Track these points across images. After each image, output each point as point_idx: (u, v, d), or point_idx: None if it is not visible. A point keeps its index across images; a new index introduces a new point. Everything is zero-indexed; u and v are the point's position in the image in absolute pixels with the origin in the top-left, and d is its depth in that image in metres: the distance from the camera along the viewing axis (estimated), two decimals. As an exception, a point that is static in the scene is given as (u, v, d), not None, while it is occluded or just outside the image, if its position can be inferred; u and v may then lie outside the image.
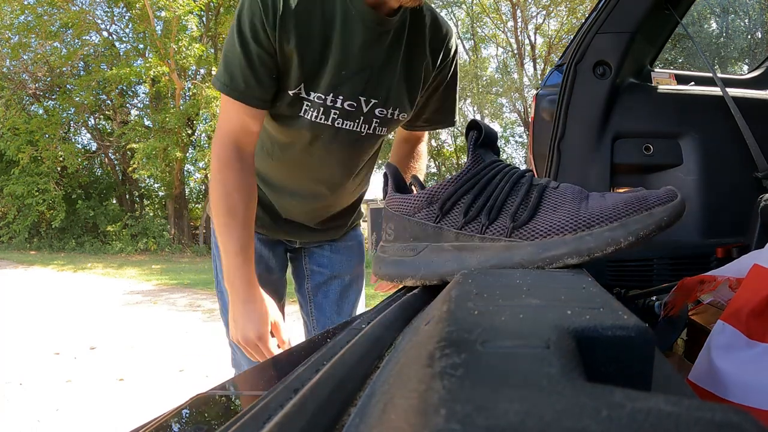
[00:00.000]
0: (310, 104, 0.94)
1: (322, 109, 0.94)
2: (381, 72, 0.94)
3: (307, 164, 1.05)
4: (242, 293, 0.91)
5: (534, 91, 1.52)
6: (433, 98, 1.08)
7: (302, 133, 0.98)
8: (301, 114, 0.95)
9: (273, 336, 0.95)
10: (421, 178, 1.13)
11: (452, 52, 1.04)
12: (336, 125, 0.97)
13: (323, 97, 0.93)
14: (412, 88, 1.00)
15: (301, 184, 1.10)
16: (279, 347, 0.96)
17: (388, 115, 1.00)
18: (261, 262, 1.18)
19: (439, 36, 1.00)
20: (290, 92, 0.92)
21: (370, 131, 1.01)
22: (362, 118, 0.98)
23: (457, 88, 1.11)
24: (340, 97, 0.93)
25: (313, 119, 0.95)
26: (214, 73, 9.51)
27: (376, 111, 0.98)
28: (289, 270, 1.34)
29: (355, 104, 0.95)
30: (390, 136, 1.20)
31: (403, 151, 1.21)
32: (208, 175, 10.90)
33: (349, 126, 0.98)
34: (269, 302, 0.95)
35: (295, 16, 0.85)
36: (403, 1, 0.85)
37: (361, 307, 1.33)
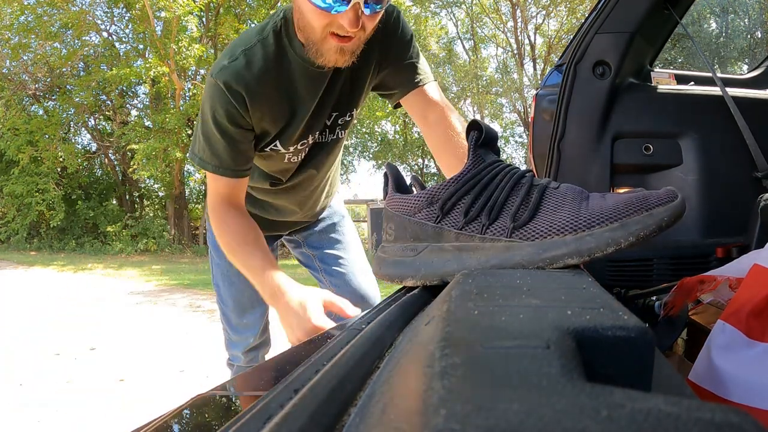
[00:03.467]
0: (291, 153, 1.08)
1: (306, 147, 1.10)
2: (337, 91, 1.05)
3: (291, 184, 1.19)
4: (283, 302, 0.94)
5: (534, 91, 1.52)
6: (399, 69, 1.10)
7: (283, 166, 1.12)
8: (282, 160, 1.09)
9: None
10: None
11: (393, 30, 1.06)
12: (309, 149, 1.12)
13: (305, 141, 1.07)
14: (361, 87, 1.09)
15: (286, 198, 1.25)
16: (342, 314, 0.95)
17: (347, 117, 1.12)
18: None
19: (378, 31, 1.03)
20: (267, 149, 1.04)
21: (334, 137, 1.14)
22: (327, 130, 1.11)
23: (418, 52, 1.11)
24: (317, 131, 1.08)
25: (297, 160, 1.11)
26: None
27: (339, 120, 1.11)
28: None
29: (324, 126, 1.09)
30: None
31: (435, 135, 1.14)
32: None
33: (320, 139, 1.11)
34: (308, 293, 0.94)
35: (257, 94, 0.94)
36: (339, 62, 0.92)
37: (358, 245, 1.48)
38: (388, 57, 1.07)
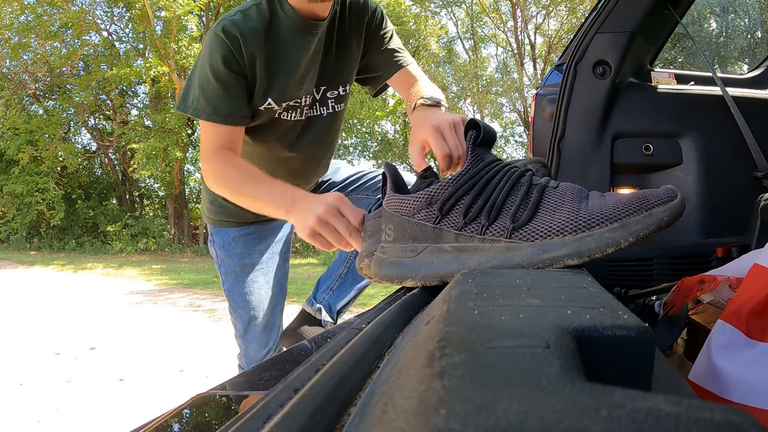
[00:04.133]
0: (283, 110, 1.12)
1: (297, 109, 1.14)
2: (324, 62, 1.14)
3: (291, 159, 1.22)
4: (298, 197, 0.90)
5: (534, 91, 1.52)
6: (381, 49, 1.23)
7: (283, 134, 1.16)
8: (277, 118, 1.12)
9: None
10: (431, 91, 1.12)
11: (377, 11, 1.20)
12: (307, 116, 1.17)
13: (297, 101, 1.12)
14: (348, 62, 1.19)
15: (289, 174, 1.25)
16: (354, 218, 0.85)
17: (340, 92, 1.20)
18: (262, 251, 1.34)
19: (359, 9, 1.17)
20: (262, 107, 1.08)
21: (330, 110, 1.20)
22: (318, 103, 1.18)
23: (392, 34, 1.25)
24: (308, 95, 1.13)
25: (291, 119, 1.14)
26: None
27: (328, 94, 1.18)
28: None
29: (312, 95, 1.15)
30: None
31: (404, 89, 1.24)
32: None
33: (313, 113, 1.18)
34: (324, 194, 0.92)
35: (251, 39, 1.01)
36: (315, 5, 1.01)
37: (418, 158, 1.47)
38: (371, 44, 1.21)
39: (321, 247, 0.88)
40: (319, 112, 1.20)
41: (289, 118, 1.14)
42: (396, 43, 1.25)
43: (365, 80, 1.29)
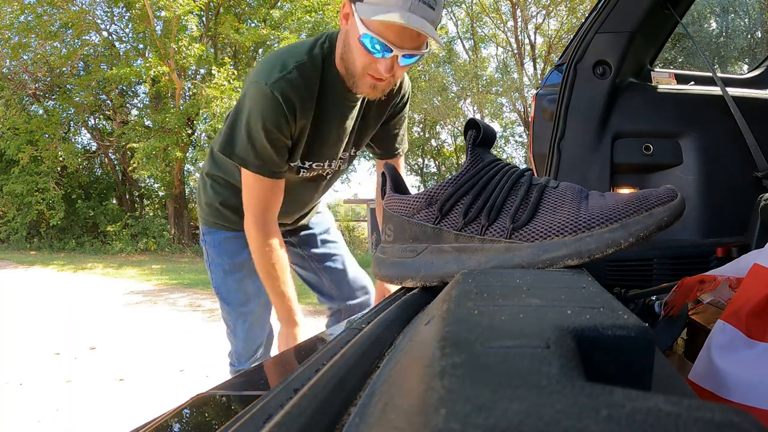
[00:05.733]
0: (306, 170, 1.19)
1: (318, 171, 1.22)
2: (357, 130, 1.20)
3: (293, 196, 1.29)
4: (301, 325, 1.18)
5: (534, 91, 1.52)
6: (390, 125, 1.31)
7: (294, 182, 1.23)
8: (298, 174, 1.20)
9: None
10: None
11: (405, 96, 1.28)
12: (319, 173, 1.24)
13: (321, 164, 1.19)
14: (369, 131, 1.26)
15: (286, 206, 1.32)
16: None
17: (351, 153, 1.27)
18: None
19: (391, 93, 1.20)
20: (291, 164, 1.15)
21: (336, 169, 1.27)
22: (333, 162, 1.24)
23: (406, 118, 1.34)
24: (333, 160, 1.21)
25: (305, 176, 1.22)
26: (214, 72, 9.30)
27: (342, 154, 1.24)
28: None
29: (339, 158, 1.24)
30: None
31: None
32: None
33: (326, 171, 1.25)
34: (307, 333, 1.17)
35: (306, 106, 1.05)
36: (371, 95, 1.06)
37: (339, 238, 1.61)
38: (387, 122, 1.27)
39: None
40: (328, 171, 1.26)
41: (300, 175, 1.21)
42: (403, 128, 1.33)
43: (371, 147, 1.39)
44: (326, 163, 1.20)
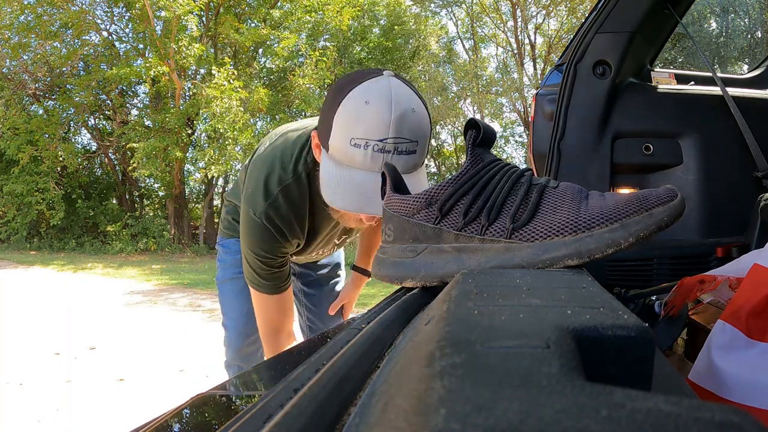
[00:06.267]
0: (294, 255, 1.20)
1: (309, 256, 1.28)
2: (337, 230, 1.22)
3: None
4: None
5: (534, 91, 1.52)
6: None
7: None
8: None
9: None
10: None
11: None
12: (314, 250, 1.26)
13: (310, 254, 1.24)
14: None
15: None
16: None
17: (353, 236, 1.30)
18: None
19: None
20: None
21: (339, 242, 1.30)
22: (327, 249, 1.29)
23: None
24: (323, 249, 1.27)
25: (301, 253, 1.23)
26: (214, 72, 9.30)
27: (342, 236, 1.27)
28: None
29: (332, 244, 1.27)
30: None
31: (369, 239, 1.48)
32: (208, 175, 10.90)
33: (321, 255, 1.32)
34: None
35: (295, 228, 1.05)
36: (361, 226, 1.09)
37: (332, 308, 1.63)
38: None
39: None
40: (325, 253, 1.32)
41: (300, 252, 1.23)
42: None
43: None
44: (320, 252, 1.26)
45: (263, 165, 1.04)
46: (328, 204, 0.88)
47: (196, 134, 11.90)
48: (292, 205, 1.03)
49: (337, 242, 1.28)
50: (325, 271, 1.59)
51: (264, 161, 1.05)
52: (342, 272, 1.66)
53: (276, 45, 11.17)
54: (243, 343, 1.42)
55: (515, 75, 12.50)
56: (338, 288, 1.63)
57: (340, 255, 1.64)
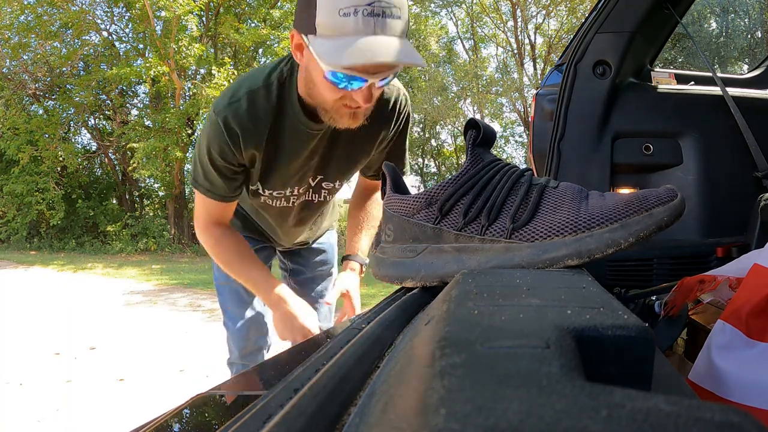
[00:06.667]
0: (268, 197, 1.13)
1: (282, 197, 1.15)
2: (327, 157, 1.09)
3: (278, 221, 1.27)
4: (288, 303, 1.09)
5: (534, 91, 1.52)
6: (385, 151, 1.18)
7: (268, 209, 1.20)
8: (263, 202, 1.15)
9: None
10: (372, 227, 1.31)
11: (402, 116, 1.12)
12: (293, 203, 1.18)
13: (281, 192, 1.12)
14: (355, 161, 1.15)
15: (276, 228, 1.32)
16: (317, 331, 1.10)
17: (336, 186, 1.18)
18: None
19: (387, 108, 1.08)
20: (251, 187, 1.11)
21: (321, 199, 1.20)
22: (311, 190, 1.17)
23: (407, 139, 1.20)
24: (296, 187, 1.12)
25: (275, 205, 1.16)
26: (214, 72, 9.31)
27: (323, 184, 1.16)
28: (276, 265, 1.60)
29: (307, 185, 1.14)
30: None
31: (358, 200, 1.35)
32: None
33: (304, 198, 1.18)
34: (303, 305, 1.11)
35: (252, 137, 0.99)
36: (353, 125, 0.95)
37: (331, 297, 1.55)
38: (391, 138, 1.13)
39: None
40: (309, 198, 1.18)
41: (273, 204, 1.16)
42: (405, 150, 1.20)
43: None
44: (288, 191, 1.12)
45: (233, 84, 1.02)
46: (329, 72, 0.82)
47: (196, 134, 11.89)
48: (254, 111, 0.97)
49: (312, 184, 1.14)
50: (318, 269, 1.53)
51: (234, 82, 1.03)
52: (335, 272, 1.59)
53: (276, 45, 11.18)
54: (245, 345, 1.41)
55: (515, 75, 12.50)
56: (329, 289, 1.57)
57: (333, 254, 1.57)
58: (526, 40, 13.00)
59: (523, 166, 0.52)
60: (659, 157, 1.25)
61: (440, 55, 13.19)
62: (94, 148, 13.78)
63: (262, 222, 1.33)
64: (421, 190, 0.55)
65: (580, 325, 0.22)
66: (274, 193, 1.12)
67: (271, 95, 0.97)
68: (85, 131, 13.95)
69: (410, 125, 1.18)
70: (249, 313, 1.40)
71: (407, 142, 1.20)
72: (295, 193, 1.14)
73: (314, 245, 1.52)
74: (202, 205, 1.11)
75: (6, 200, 11.91)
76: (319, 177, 1.13)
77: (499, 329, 0.22)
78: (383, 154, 1.17)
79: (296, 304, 1.09)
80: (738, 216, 1.15)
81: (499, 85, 12.59)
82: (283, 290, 1.10)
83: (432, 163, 15.06)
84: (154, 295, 6.06)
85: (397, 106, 1.09)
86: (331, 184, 1.17)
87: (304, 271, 1.53)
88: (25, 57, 12.09)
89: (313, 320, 1.09)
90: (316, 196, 1.19)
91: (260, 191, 1.11)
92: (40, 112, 12.54)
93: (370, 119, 1.00)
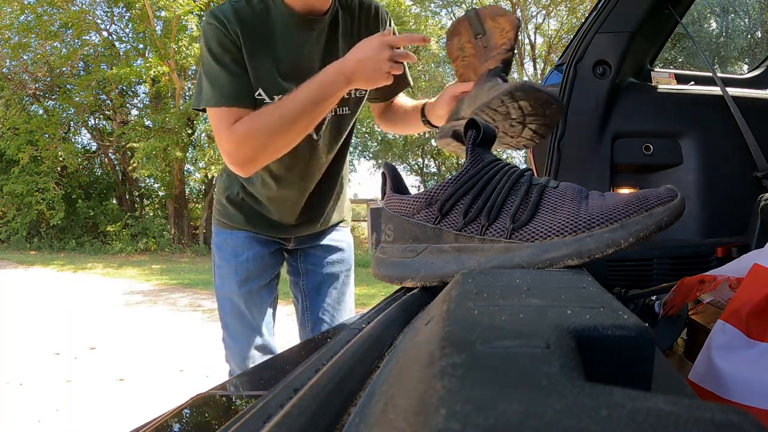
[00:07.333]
0: (270, 100, 1.05)
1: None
2: (326, 63, 1.00)
3: (300, 157, 1.16)
4: (351, 65, 0.95)
5: (534, 91, 1.51)
6: None
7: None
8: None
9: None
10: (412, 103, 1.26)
11: (386, 24, 1.18)
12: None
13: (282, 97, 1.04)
14: None
15: (293, 189, 1.22)
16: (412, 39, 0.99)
17: (353, 95, 1.13)
18: (257, 258, 1.29)
19: (370, 15, 1.14)
20: (255, 96, 1.05)
21: (331, 113, 1.12)
22: None
23: None
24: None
25: None
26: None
27: None
28: (284, 269, 1.45)
29: None
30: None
31: (386, 115, 1.32)
32: (208, 175, 10.90)
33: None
34: (355, 51, 0.97)
35: (240, 27, 1.00)
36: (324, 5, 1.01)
37: (350, 302, 1.44)
38: None
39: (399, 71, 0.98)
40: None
41: None
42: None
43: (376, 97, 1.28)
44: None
45: None
46: None
47: (196, 134, 11.89)
48: (239, 7, 1.01)
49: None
50: (334, 268, 1.39)
51: None
52: (352, 277, 1.46)
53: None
54: (245, 365, 1.30)
55: (515, 75, 12.50)
56: (348, 294, 1.42)
57: (350, 253, 1.43)
58: (526, 40, 13.00)
59: (523, 166, 0.52)
60: (659, 157, 1.25)
61: (440, 55, 13.19)
62: (94, 148, 13.78)
63: (280, 176, 1.19)
64: (421, 190, 0.55)
65: (580, 325, 0.22)
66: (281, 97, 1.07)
67: (252, 2, 1.03)
68: (85, 131, 13.97)
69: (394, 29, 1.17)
70: (253, 335, 1.29)
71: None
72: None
73: (329, 242, 1.39)
74: (218, 124, 1.00)
75: (6, 200, 11.91)
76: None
77: (499, 329, 0.22)
78: None
79: (355, 52, 0.95)
80: (738, 216, 1.15)
81: (499, 85, 12.56)
82: (335, 64, 0.96)
83: (432, 163, 15.06)
84: (154, 295, 6.06)
85: (380, 14, 1.16)
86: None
87: (320, 271, 1.38)
88: (25, 57, 12.10)
89: (380, 37, 0.94)
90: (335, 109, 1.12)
91: (264, 97, 1.05)
92: (40, 112, 12.54)
93: (358, 23, 1.09)
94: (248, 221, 1.27)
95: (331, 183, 1.29)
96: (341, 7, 1.11)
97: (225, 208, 1.29)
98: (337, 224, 1.41)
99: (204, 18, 1.02)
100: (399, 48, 0.96)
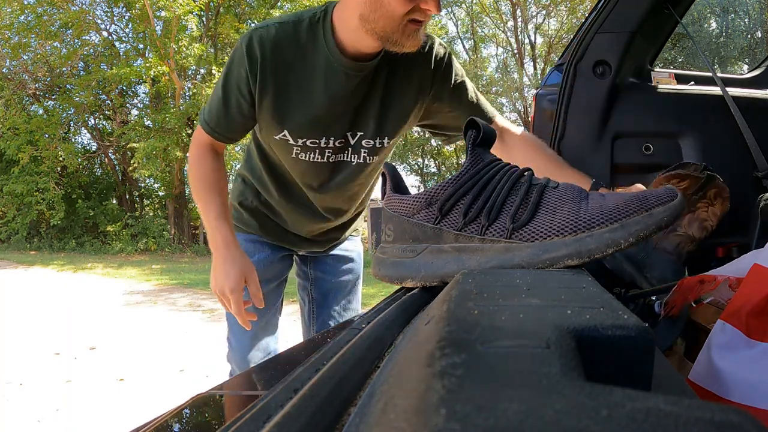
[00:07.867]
0: (300, 148, 1.04)
1: (316, 149, 1.05)
2: (364, 107, 1.03)
3: (311, 199, 1.17)
4: (222, 251, 1.04)
5: (534, 91, 1.52)
6: (450, 105, 1.09)
7: (304, 172, 1.10)
8: (295, 157, 1.06)
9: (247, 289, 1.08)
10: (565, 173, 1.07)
11: (440, 59, 1.06)
12: (329, 158, 1.07)
13: (315, 141, 1.03)
14: (396, 115, 1.06)
15: (307, 213, 1.22)
16: (254, 298, 1.07)
17: (377, 144, 1.08)
18: (266, 262, 1.28)
19: (421, 53, 1.02)
20: (276, 137, 1.03)
21: (360, 161, 1.09)
22: (350, 149, 1.08)
23: (468, 86, 1.10)
24: (331, 138, 1.03)
25: (310, 159, 1.06)
26: (214, 72, 9.38)
27: (363, 142, 1.07)
28: (293, 270, 1.44)
29: (344, 140, 1.05)
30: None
31: (520, 150, 1.12)
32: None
33: (342, 157, 1.08)
34: (244, 260, 1.06)
35: (276, 69, 0.96)
36: (415, 45, 0.90)
37: (357, 308, 1.44)
38: (433, 85, 1.06)
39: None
40: (348, 159, 1.09)
41: (307, 158, 1.06)
42: (471, 93, 1.10)
43: (449, 137, 1.18)
44: (323, 141, 1.03)
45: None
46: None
47: (196, 134, 11.88)
48: (280, 40, 0.95)
49: (351, 141, 1.06)
50: (343, 278, 1.39)
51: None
52: (360, 285, 1.45)
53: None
54: (245, 365, 1.30)
55: (515, 75, 12.51)
56: (355, 302, 1.42)
57: (360, 263, 1.43)
58: (526, 40, 13.01)
59: (523, 166, 0.52)
60: (659, 157, 1.26)
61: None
62: (94, 148, 13.79)
63: (294, 201, 1.20)
64: (421, 190, 0.55)
65: (580, 325, 0.22)
66: (308, 142, 1.03)
67: (300, 30, 0.96)
68: (85, 131, 13.97)
69: (460, 73, 1.09)
70: (256, 337, 1.28)
71: (475, 92, 1.11)
72: (331, 145, 1.05)
73: (341, 252, 1.38)
74: (196, 136, 1.10)
75: (6, 200, 11.92)
76: (359, 133, 1.06)
77: (499, 329, 0.22)
78: (456, 104, 1.09)
79: (230, 257, 1.03)
80: (738, 216, 1.15)
81: (499, 85, 12.59)
82: (230, 236, 1.05)
83: (432, 163, 15.06)
84: (154, 295, 6.06)
85: (432, 51, 1.04)
86: (371, 142, 1.07)
87: (329, 279, 1.38)
88: (25, 57, 12.10)
89: (232, 282, 1.02)
90: (355, 156, 1.08)
91: (290, 141, 1.03)
92: (40, 112, 12.54)
93: (405, 63, 1.00)
94: (261, 228, 1.27)
95: (351, 211, 1.28)
96: (395, 54, 0.98)
97: (239, 213, 1.29)
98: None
99: (245, 34, 0.96)
100: (239, 296, 1.03)
